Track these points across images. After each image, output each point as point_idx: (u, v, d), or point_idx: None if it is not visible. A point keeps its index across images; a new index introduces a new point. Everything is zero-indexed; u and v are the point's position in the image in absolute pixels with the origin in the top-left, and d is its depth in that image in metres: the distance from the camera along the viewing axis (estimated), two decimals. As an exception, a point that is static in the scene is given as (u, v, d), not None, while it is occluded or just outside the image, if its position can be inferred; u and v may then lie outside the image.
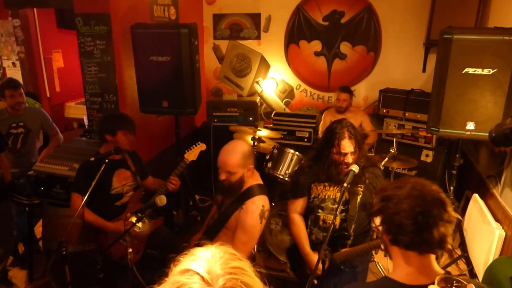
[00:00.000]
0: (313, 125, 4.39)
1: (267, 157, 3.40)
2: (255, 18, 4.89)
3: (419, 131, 3.94)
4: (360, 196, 2.25)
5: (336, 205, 2.17)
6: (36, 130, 3.56)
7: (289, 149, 3.31)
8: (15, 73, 5.26)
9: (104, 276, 2.55)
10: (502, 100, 2.62)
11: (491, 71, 2.60)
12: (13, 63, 5.29)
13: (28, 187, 3.12)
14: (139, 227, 2.64)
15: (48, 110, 4.13)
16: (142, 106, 3.22)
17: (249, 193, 2.28)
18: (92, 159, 2.52)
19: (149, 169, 3.07)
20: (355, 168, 2.12)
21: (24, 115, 3.46)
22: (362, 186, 2.26)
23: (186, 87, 3.07)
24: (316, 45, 4.81)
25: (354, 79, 4.80)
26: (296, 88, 5.03)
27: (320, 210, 2.33)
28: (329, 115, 4.18)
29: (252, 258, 2.53)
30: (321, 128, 4.23)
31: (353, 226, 2.23)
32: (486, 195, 3.21)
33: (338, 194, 2.26)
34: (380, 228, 1.36)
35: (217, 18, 5.00)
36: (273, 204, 3.43)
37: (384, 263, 3.34)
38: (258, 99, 4.86)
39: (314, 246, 2.32)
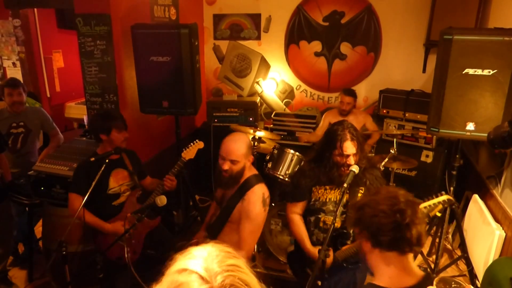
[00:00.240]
0: (313, 126, 4.40)
1: (267, 158, 3.40)
2: (255, 18, 4.89)
3: (419, 132, 3.94)
4: (360, 196, 2.25)
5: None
6: (36, 130, 3.56)
7: (289, 149, 3.31)
8: (15, 73, 5.27)
9: (104, 276, 2.55)
10: (502, 101, 2.62)
11: (491, 72, 2.60)
12: (14, 63, 5.29)
13: (28, 187, 3.12)
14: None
15: (48, 110, 4.13)
16: (142, 106, 3.23)
17: (248, 184, 2.32)
18: (93, 159, 2.52)
19: (149, 169, 3.07)
20: (355, 168, 2.12)
21: (24, 115, 3.46)
22: (363, 188, 2.26)
23: (186, 87, 3.07)
24: (316, 46, 4.81)
25: (354, 80, 4.81)
26: (296, 88, 5.03)
27: (321, 213, 2.33)
28: (329, 116, 4.17)
29: (252, 258, 2.54)
30: (321, 129, 4.22)
31: None
32: (486, 196, 3.21)
33: (340, 197, 2.26)
34: (361, 237, 1.42)
35: (217, 19, 5.00)
36: (273, 204, 3.44)
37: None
38: (258, 99, 4.86)
39: (315, 246, 2.32)
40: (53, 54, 5.58)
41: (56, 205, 2.97)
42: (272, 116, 4.59)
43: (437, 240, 3.24)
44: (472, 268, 3.00)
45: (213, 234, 2.44)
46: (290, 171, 3.26)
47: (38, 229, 3.39)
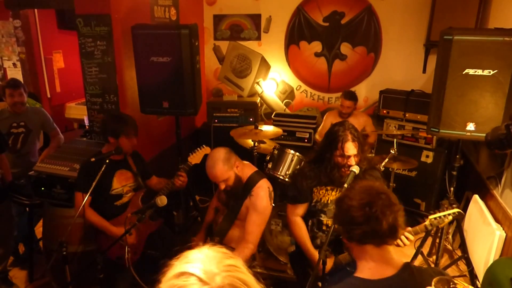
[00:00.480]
0: (314, 126, 4.40)
1: (268, 158, 3.41)
2: (255, 19, 4.90)
3: (419, 132, 3.94)
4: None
5: None
6: (36, 130, 3.57)
7: (289, 149, 3.31)
8: (15, 73, 5.28)
9: (104, 276, 2.55)
10: (503, 101, 2.62)
11: (492, 72, 2.60)
12: (14, 64, 5.30)
13: (29, 187, 3.13)
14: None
15: (48, 111, 4.12)
16: (142, 107, 3.23)
17: (252, 182, 2.45)
18: (93, 159, 2.52)
19: (150, 167, 3.06)
20: (355, 169, 2.12)
21: (25, 115, 3.47)
22: None
23: (187, 88, 3.08)
24: (317, 46, 4.81)
25: (354, 80, 4.81)
26: (296, 89, 5.03)
27: (323, 215, 2.33)
28: (330, 117, 4.16)
29: (252, 258, 2.55)
30: (321, 130, 4.22)
31: None
32: (486, 196, 3.21)
33: None
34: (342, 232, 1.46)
35: (218, 19, 5.01)
36: (273, 205, 3.43)
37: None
38: (258, 99, 4.87)
39: (318, 249, 2.32)
40: (53, 55, 5.58)
41: (57, 205, 2.97)
42: (272, 116, 4.58)
43: (438, 240, 3.24)
44: (473, 268, 3.00)
45: (222, 233, 2.48)
46: (290, 171, 3.26)
47: (39, 229, 3.39)
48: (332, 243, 1.93)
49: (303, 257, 2.37)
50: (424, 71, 4.52)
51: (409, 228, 1.97)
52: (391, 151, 3.51)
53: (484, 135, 2.54)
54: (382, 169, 3.33)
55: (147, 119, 3.58)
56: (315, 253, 2.29)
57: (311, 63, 4.89)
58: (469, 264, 3.03)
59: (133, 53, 3.10)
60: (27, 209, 3.28)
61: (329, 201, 2.31)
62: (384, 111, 4.32)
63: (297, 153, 3.29)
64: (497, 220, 2.90)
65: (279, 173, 3.28)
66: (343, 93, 4.05)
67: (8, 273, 3.18)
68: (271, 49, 4.94)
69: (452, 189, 3.12)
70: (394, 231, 1.36)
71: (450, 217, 2.04)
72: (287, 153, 3.29)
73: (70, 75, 5.80)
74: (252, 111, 4.57)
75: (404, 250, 2.23)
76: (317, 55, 4.84)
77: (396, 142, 3.58)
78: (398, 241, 1.94)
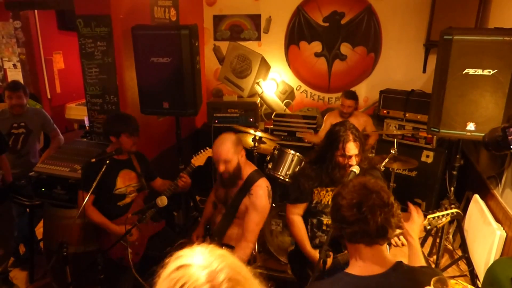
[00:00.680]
0: (314, 126, 4.40)
1: (268, 158, 3.41)
2: (255, 19, 4.90)
3: (420, 132, 3.94)
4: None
5: None
6: (36, 131, 3.57)
7: (289, 150, 3.31)
8: (16, 74, 5.28)
9: (105, 277, 2.56)
10: (503, 101, 2.62)
11: (492, 72, 2.60)
12: (14, 65, 5.31)
13: (29, 188, 3.13)
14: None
15: (48, 111, 4.13)
16: (142, 107, 3.23)
17: (252, 180, 2.45)
18: (93, 160, 2.53)
19: (154, 171, 3.06)
20: (356, 169, 2.12)
21: (25, 115, 3.47)
22: None
23: (187, 88, 3.08)
24: (316, 46, 4.81)
25: (354, 80, 4.81)
26: (296, 89, 5.03)
27: (323, 215, 2.33)
28: (331, 118, 4.15)
29: (253, 259, 2.55)
30: (321, 132, 4.21)
31: None
32: (486, 196, 3.21)
33: None
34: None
35: (218, 19, 5.01)
36: (273, 205, 3.44)
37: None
38: (258, 100, 4.87)
39: (318, 249, 2.32)
40: (53, 56, 5.58)
41: (57, 206, 2.97)
42: (272, 116, 4.59)
43: (438, 240, 3.24)
44: (473, 268, 3.00)
45: (221, 231, 2.49)
46: (290, 171, 3.26)
47: (39, 230, 3.39)
48: (332, 242, 1.93)
49: (302, 257, 2.38)
50: (424, 71, 4.52)
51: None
52: (391, 151, 3.51)
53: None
54: (383, 169, 3.33)
55: (147, 119, 3.58)
56: (312, 252, 2.30)
57: (311, 63, 4.89)
58: (469, 264, 3.03)
59: (133, 53, 3.11)
60: (28, 209, 3.28)
61: (329, 202, 2.31)
62: (384, 111, 4.32)
63: (297, 154, 3.29)
64: (497, 220, 2.90)
65: (279, 173, 3.28)
66: (343, 93, 4.05)
67: (8, 274, 3.18)
68: (271, 50, 4.94)
69: (452, 189, 3.12)
70: (384, 232, 1.36)
71: (449, 217, 2.04)
72: (287, 153, 3.29)
73: (70, 76, 5.81)
74: (252, 112, 4.57)
75: (404, 250, 2.23)
76: (317, 55, 4.84)
77: (396, 142, 3.58)
78: (396, 240, 1.94)
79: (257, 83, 4.87)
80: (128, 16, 3.34)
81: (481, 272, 2.84)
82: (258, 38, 4.96)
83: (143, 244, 2.76)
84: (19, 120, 3.44)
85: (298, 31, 4.82)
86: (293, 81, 5.01)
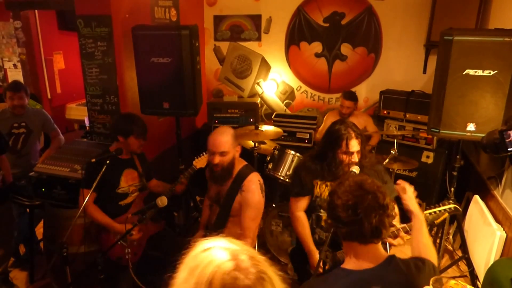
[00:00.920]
0: (314, 127, 4.40)
1: (268, 159, 3.41)
2: (255, 19, 4.90)
3: (420, 132, 3.94)
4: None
5: None
6: (37, 131, 3.57)
7: (289, 150, 3.31)
8: (16, 74, 5.28)
9: (105, 277, 2.56)
10: (503, 102, 2.62)
11: (492, 73, 2.60)
12: (14, 65, 5.30)
13: (29, 188, 3.13)
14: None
15: (49, 112, 4.12)
16: (143, 108, 3.23)
17: (242, 175, 2.41)
18: (93, 160, 2.54)
19: (151, 172, 3.07)
20: (356, 169, 2.13)
21: (26, 115, 3.47)
22: None
23: (187, 89, 3.08)
24: (317, 47, 4.82)
25: (354, 81, 4.81)
26: (296, 89, 5.03)
27: (322, 210, 2.34)
28: (331, 118, 4.15)
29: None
30: (322, 131, 4.21)
31: None
32: (487, 197, 3.21)
33: None
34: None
35: (218, 20, 5.01)
36: (273, 205, 3.44)
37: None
38: (258, 100, 4.87)
39: (317, 245, 2.33)
40: (54, 56, 5.58)
41: (57, 206, 2.97)
42: (272, 117, 4.59)
43: (438, 240, 3.24)
44: (473, 269, 3.00)
45: (218, 231, 2.45)
46: (290, 171, 3.26)
47: (39, 230, 3.39)
48: (331, 241, 1.94)
49: (303, 253, 2.38)
50: (424, 71, 4.52)
51: (405, 225, 1.97)
52: (391, 151, 3.51)
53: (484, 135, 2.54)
54: (383, 169, 3.33)
55: (147, 120, 3.56)
56: (314, 251, 2.30)
57: (311, 64, 4.89)
58: (469, 264, 3.03)
59: (134, 54, 3.11)
60: (28, 210, 3.28)
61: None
62: (385, 112, 4.32)
63: (298, 154, 3.30)
64: (497, 221, 2.90)
65: (279, 174, 3.28)
66: (342, 93, 4.06)
67: (8, 274, 3.18)
68: (272, 50, 4.94)
69: (452, 189, 3.12)
70: (378, 232, 1.40)
71: (446, 214, 2.04)
72: (288, 153, 3.29)
73: (70, 76, 5.81)
74: (252, 112, 4.57)
75: (404, 250, 2.23)
76: (317, 55, 4.84)
77: (396, 142, 3.58)
78: (392, 240, 1.95)
79: (258, 84, 4.87)
80: (128, 16, 3.34)
81: (481, 273, 2.84)
82: (259, 39, 4.96)
83: (142, 244, 2.76)
84: (19, 120, 3.44)
85: (299, 32, 4.82)
86: (293, 82, 5.01)
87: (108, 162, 2.52)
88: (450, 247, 3.62)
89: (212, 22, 5.02)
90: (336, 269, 1.50)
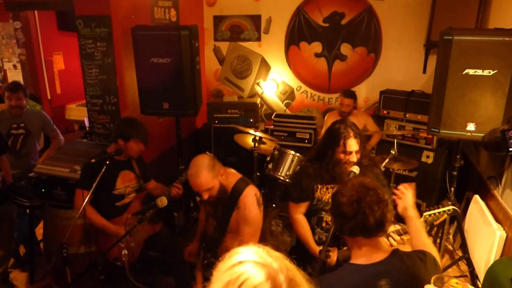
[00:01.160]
0: (314, 127, 4.39)
1: (268, 159, 3.41)
2: (255, 19, 4.90)
3: (420, 132, 3.94)
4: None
5: None
6: (36, 132, 3.57)
7: (289, 150, 3.31)
8: (16, 75, 5.28)
9: (105, 277, 2.55)
10: (503, 101, 2.62)
11: (492, 72, 2.60)
12: (14, 66, 5.30)
13: (29, 189, 3.13)
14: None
15: (48, 112, 4.14)
16: (142, 108, 3.23)
17: (237, 191, 2.30)
18: (93, 160, 2.53)
19: (150, 171, 3.07)
20: (356, 169, 2.13)
21: (25, 116, 3.48)
22: None
23: (187, 89, 3.08)
24: (317, 47, 4.82)
25: (354, 81, 4.81)
26: (296, 89, 5.03)
27: (323, 213, 2.34)
28: (331, 117, 4.15)
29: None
30: (323, 131, 4.21)
31: None
32: (487, 196, 3.21)
33: None
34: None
35: (218, 20, 5.01)
36: (273, 205, 3.44)
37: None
38: (258, 100, 4.87)
39: (318, 246, 2.33)
40: (53, 56, 5.59)
41: (57, 206, 2.97)
42: (272, 117, 4.58)
43: (438, 240, 3.24)
44: (473, 268, 2.99)
45: (215, 246, 2.41)
46: (290, 172, 3.26)
47: (39, 231, 3.39)
48: (331, 240, 1.94)
49: (302, 254, 2.38)
50: (424, 71, 4.52)
51: (404, 226, 1.97)
52: (391, 151, 3.51)
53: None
54: (383, 169, 3.33)
55: (147, 120, 3.57)
56: (317, 249, 2.30)
57: (311, 64, 4.89)
58: (470, 264, 3.03)
59: (133, 54, 3.11)
60: (28, 210, 3.28)
61: (329, 200, 2.32)
62: (385, 112, 4.32)
63: (298, 154, 3.29)
64: (497, 220, 2.90)
65: (279, 174, 3.28)
66: (342, 92, 4.07)
67: (9, 275, 3.18)
68: (271, 50, 4.95)
69: (452, 189, 3.12)
70: (382, 225, 1.49)
71: (445, 215, 2.04)
72: (288, 154, 3.29)
73: (70, 77, 5.81)
74: (252, 112, 4.58)
75: (403, 249, 2.23)
76: (317, 55, 4.84)
77: (396, 142, 3.58)
78: (391, 240, 1.95)
79: (257, 84, 4.87)
80: (128, 16, 3.34)
81: (481, 273, 2.83)
82: (258, 39, 4.96)
83: (140, 245, 2.76)
84: (18, 121, 3.44)
85: (298, 32, 4.82)
86: (293, 82, 5.01)
87: (108, 162, 2.51)
88: (450, 247, 3.62)
89: (212, 22, 5.03)
90: (346, 265, 1.57)
